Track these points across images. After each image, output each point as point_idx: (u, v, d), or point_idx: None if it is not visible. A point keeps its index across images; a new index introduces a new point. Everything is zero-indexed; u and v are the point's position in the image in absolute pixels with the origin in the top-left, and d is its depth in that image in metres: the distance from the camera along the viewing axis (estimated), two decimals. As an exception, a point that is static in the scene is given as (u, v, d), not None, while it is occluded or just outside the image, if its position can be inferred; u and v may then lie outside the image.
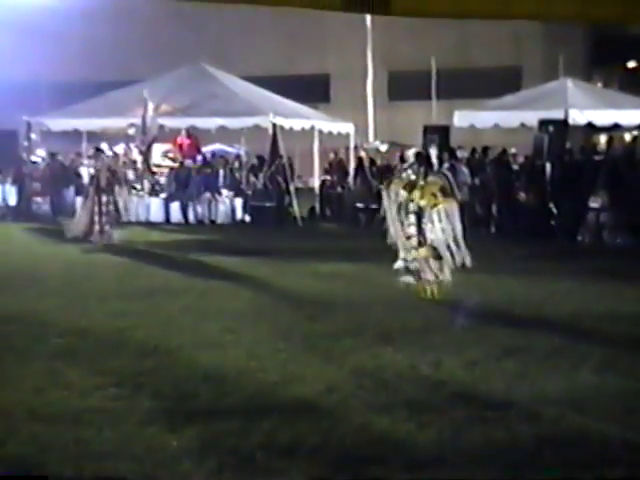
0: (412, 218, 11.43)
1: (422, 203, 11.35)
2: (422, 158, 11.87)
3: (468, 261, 11.22)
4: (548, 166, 19.76)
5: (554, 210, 19.49)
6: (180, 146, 25.74)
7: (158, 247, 18.12)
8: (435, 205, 11.30)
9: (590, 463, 5.68)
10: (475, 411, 6.72)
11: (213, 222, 23.98)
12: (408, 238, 11.47)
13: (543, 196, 19.71)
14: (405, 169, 12.02)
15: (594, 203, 18.38)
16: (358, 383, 7.54)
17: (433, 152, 11.77)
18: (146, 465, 5.61)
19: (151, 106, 23.60)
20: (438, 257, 11.32)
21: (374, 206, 23.11)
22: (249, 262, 15.49)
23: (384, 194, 11.89)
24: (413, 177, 11.57)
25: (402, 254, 11.53)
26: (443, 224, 11.28)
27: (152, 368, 8.02)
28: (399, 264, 11.57)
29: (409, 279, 11.48)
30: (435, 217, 11.31)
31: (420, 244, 11.38)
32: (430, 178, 11.48)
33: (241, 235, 21.01)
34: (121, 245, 17.82)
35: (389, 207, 11.64)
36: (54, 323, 9.99)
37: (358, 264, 14.89)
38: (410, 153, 12.34)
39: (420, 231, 11.36)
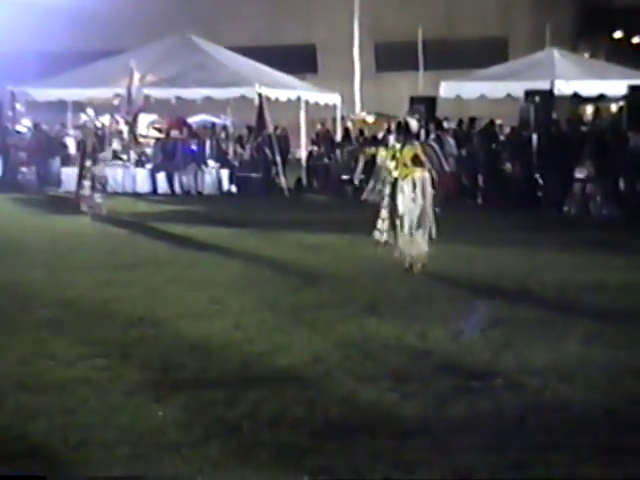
0: (387, 189, 11.40)
1: (395, 174, 11.32)
2: (401, 127, 11.82)
3: (433, 232, 11.20)
4: (534, 137, 19.77)
5: (540, 181, 19.52)
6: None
7: (144, 218, 18.08)
8: (406, 175, 11.26)
9: (573, 431, 5.72)
10: (460, 381, 6.75)
11: (200, 193, 23.93)
12: (382, 208, 11.44)
13: (529, 167, 19.74)
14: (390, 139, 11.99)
15: (580, 174, 18.40)
16: (344, 353, 7.56)
17: (412, 122, 11.69)
18: (132, 435, 5.63)
19: (137, 76, 23.46)
20: (408, 228, 11.26)
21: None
22: (236, 233, 15.49)
23: (378, 159, 11.85)
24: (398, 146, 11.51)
25: (378, 224, 11.48)
26: (415, 194, 11.23)
27: (138, 339, 8.03)
28: (375, 234, 11.50)
29: (379, 237, 11.42)
30: (406, 187, 11.28)
31: (392, 215, 11.33)
32: (406, 147, 11.39)
33: (228, 206, 20.98)
34: (108, 216, 17.79)
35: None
36: (40, 294, 9.98)
37: (344, 236, 14.89)
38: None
39: (394, 202, 11.31)
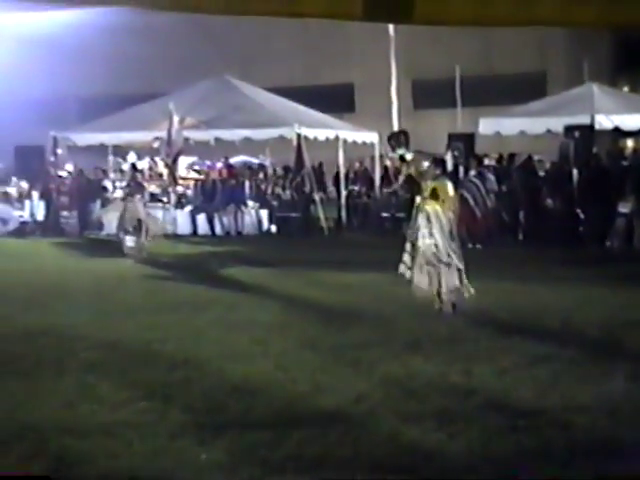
0: (417, 222, 11.20)
1: (426, 207, 11.16)
2: (437, 162, 11.72)
3: (460, 267, 11.01)
4: (575, 172, 19.65)
5: (581, 216, 19.37)
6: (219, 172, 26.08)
7: (186, 260, 18.16)
8: (423, 208, 11.10)
9: (623, 472, 5.62)
10: (506, 420, 6.67)
11: (239, 233, 24.02)
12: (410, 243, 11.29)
13: (570, 202, 19.60)
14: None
15: (623, 208, 18.24)
16: (387, 392, 7.51)
17: (448, 157, 11.57)
18: (176, 478, 5.61)
19: (176, 119, 23.68)
20: (431, 264, 11.07)
21: (400, 215, 23.11)
22: (276, 273, 15.49)
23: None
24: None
25: (403, 257, 11.33)
26: (429, 227, 11.02)
27: (181, 380, 8.03)
28: (400, 267, 11.39)
29: (404, 270, 11.30)
30: (420, 220, 11.07)
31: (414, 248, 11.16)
32: (436, 182, 11.29)
33: (268, 246, 21.02)
34: (149, 258, 17.88)
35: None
36: (83, 337, 10.02)
37: (385, 274, 14.81)
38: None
39: (421, 236, 11.11)
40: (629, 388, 7.55)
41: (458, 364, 8.39)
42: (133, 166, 20.71)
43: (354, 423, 6.73)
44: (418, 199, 11.29)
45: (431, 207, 11.09)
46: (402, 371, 8.23)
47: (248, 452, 6.09)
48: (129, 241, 18.33)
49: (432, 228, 11.02)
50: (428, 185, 11.17)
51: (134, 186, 18.90)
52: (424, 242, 11.04)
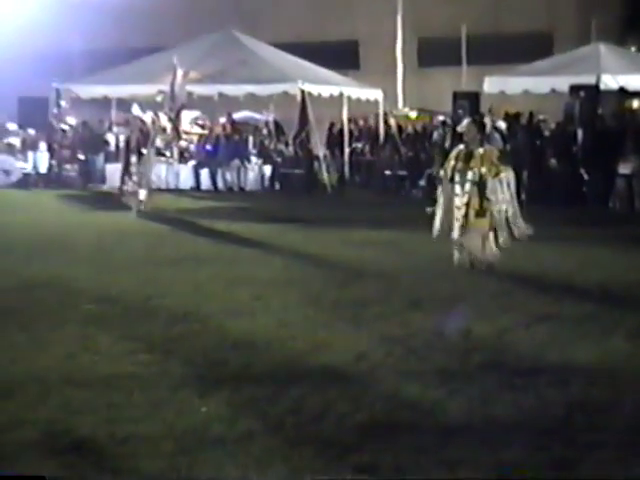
0: (467, 187, 11.11)
1: (483, 171, 11.03)
2: (478, 125, 11.61)
3: (530, 231, 11.08)
4: (579, 132, 19.57)
5: (585, 176, 19.33)
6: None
7: (188, 214, 18.16)
8: (497, 174, 11.01)
9: (619, 429, 5.65)
10: (505, 378, 6.70)
11: (242, 189, 23.99)
12: (459, 208, 11.17)
13: (574, 162, 19.55)
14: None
15: (624, 169, 18.16)
16: (388, 350, 7.53)
17: (488, 121, 11.56)
18: (176, 430, 5.64)
19: (180, 73, 23.55)
20: (495, 227, 11.06)
21: (403, 173, 23.10)
22: (278, 229, 15.50)
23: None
24: (461, 147, 11.34)
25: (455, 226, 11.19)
26: (505, 194, 11.01)
27: (182, 335, 8.06)
28: (454, 235, 11.21)
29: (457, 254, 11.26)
30: (498, 186, 11.01)
31: (478, 214, 11.06)
32: (487, 146, 11.21)
33: (270, 202, 21.01)
34: (151, 212, 17.89)
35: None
36: (85, 290, 10.05)
37: (388, 232, 14.86)
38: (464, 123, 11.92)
39: (481, 201, 11.04)
40: (628, 347, 7.58)
41: (458, 322, 8.41)
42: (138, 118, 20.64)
43: (354, 380, 6.75)
44: (476, 164, 11.19)
45: (508, 173, 11.11)
46: (403, 329, 8.25)
47: (248, 406, 6.12)
48: (142, 194, 18.36)
49: (508, 192, 11.04)
50: (486, 151, 11.19)
51: (137, 138, 18.86)
52: (500, 207, 11.01)
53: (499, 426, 5.77)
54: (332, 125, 26.33)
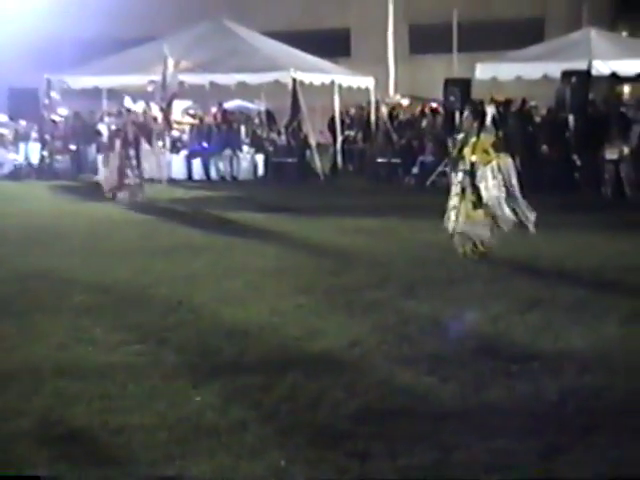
0: (460, 176, 11.08)
1: (473, 159, 10.96)
2: (477, 114, 11.54)
3: (533, 217, 11.03)
4: (571, 118, 19.56)
5: (577, 162, 19.32)
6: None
7: (181, 204, 18.14)
8: (489, 162, 10.91)
9: (613, 414, 5.67)
10: (498, 364, 6.71)
11: (235, 178, 23.96)
12: (451, 198, 11.12)
13: (566, 148, 19.55)
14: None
15: (611, 155, 18.08)
16: (381, 337, 7.54)
17: (490, 110, 11.51)
18: (170, 420, 5.65)
19: (171, 62, 23.42)
20: (492, 215, 10.97)
21: (395, 161, 23.07)
22: (271, 218, 15.49)
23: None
24: (461, 135, 11.31)
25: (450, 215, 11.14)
26: (498, 181, 10.93)
27: (175, 324, 8.06)
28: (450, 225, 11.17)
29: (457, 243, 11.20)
30: (489, 174, 10.91)
31: (475, 206, 10.96)
32: (482, 135, 11.17)
33: (263, 191, 20.99)
34: (144, 202, 17.87)
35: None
36: (78, 280, 10.04)
37: (380, 219, 14.86)
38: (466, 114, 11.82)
39: (474, 190, 10.93)
40: (622, 332, 7.59)
41: (452, 308, 8.42)
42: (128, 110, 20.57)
43: (347, 367, 6.76)
44: (467, 152, 11.13)
45: (501, 160, 10.99)
46: (396, 315, 8.26)
47: (242, 394, 6.12)
48: (133, 185, 18.34)
49: (502, 180, 10.92)
50: (479, 139, 11.06)
51: (134, 131, 18.81)
52: (491, 195, 10.89)
53: (493, 412, 5.79)
54: (333, 117, 26.23)
